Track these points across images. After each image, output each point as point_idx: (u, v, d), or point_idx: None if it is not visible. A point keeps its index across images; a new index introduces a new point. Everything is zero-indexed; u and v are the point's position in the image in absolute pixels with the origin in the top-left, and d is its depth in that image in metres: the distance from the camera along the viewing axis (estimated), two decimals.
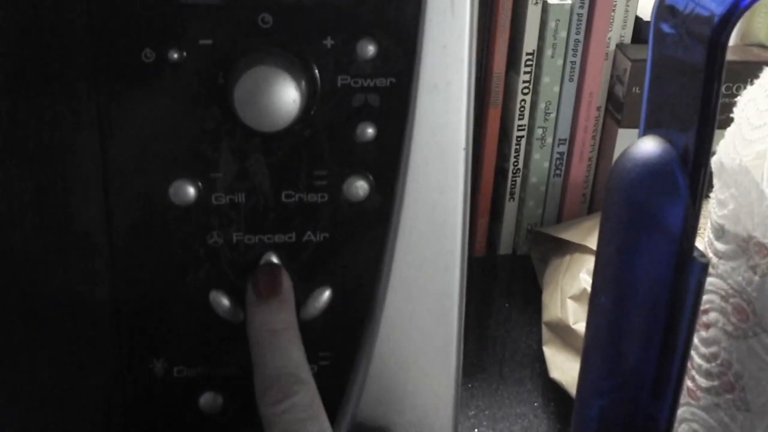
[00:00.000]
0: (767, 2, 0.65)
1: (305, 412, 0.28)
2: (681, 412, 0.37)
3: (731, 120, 0.34)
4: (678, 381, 0.30)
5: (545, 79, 0.63)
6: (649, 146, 0.28)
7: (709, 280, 0.34)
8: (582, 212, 0.69)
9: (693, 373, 0.36)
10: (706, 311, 0.35)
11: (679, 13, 0.27)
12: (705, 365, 0.35)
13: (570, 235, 0.60)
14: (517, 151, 0.66)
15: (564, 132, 0.66)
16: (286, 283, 0.30)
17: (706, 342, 0.35)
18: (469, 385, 0.54)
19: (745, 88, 0.35)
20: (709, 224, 0.35)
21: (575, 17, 0.61)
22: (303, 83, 0.28)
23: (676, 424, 0.35)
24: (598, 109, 0.65)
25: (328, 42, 0.28)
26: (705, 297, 0.34)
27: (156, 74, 0.28)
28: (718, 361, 0.35)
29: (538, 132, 0.66)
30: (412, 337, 0.32)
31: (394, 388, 0.33)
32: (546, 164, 0.67)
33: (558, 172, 0.68)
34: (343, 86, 0.29)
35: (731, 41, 0.26)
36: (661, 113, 0.29)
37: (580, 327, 0.51)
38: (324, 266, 0.31)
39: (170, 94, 0.28)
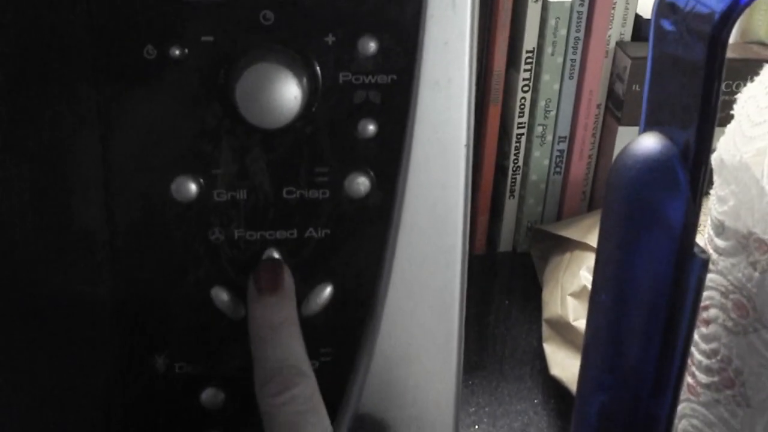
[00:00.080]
0: (767, 0, 0.65)
1: (305, 404, 0.28)
2: (681, 408, 0.37)
3: (731, 117, 0.34)
4: (678, 377, 0.30)
5: (545, 77, 0.63)
6: (649, 142, 0.28)
7: (709, 276, 0.34)
8: (582, 210, 0.70)
9: (693, 369, 0.36)
10: (706, 307, 0.35)
11: (679, 11, 0.27)
12: (705, 361, 0.35)
13: (570, 232, 0.60)
14: (517, 148, 0.67)
15: (564, 130, 0.66)
16: (288, 278, 0.30)
17: (706, 338, 0.35)
18: (470, 382, 0.54)
19: (744, 85, 0.35)
20: (709, 221, 0.35)
21: (575, 15, 0.61)
22: (304, 80, 0.28)
23: (676, 420, 0.35)
24: (598, 106, 0.65)
25: (330, 39, 0.28)
26: (705, 293, 0.34)
27: (158, 71, 0.28)
28: (718, 357, 0.35)
29: (538, 130, 0.66)
30: (413, 333, 0.32)
31: (395, 383, 0.33)
32: (546, 162, 0.67)
33: (558, 169, 0.68)
34: (345, 83, 0.29)
35: (731, 39, 0.26)
36: (661, 110, 0.29)
37: (580, 324, 0.51)
38: (325, 262, 0.31)
39: (172, 91, 0.28)
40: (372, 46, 0.28)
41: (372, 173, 0.30)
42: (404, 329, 0.32)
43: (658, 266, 0.29)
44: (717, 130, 0.27)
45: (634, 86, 0.62)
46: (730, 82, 0.54)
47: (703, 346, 0.36)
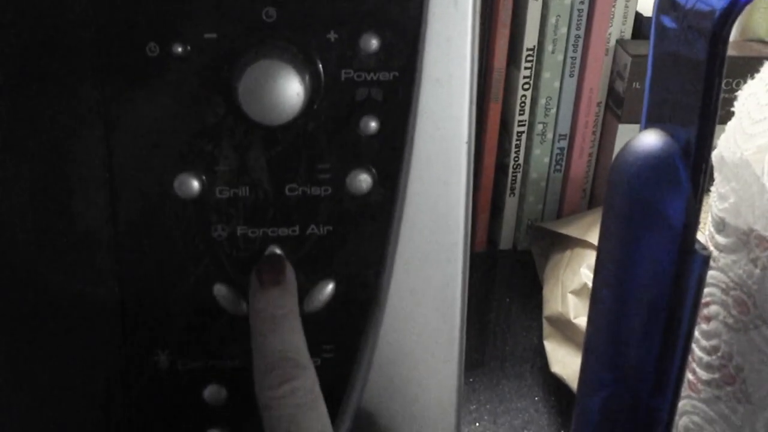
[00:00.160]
0: None
1: (305, 397, 0.28)
2: (682, 404, 0.37)
3: (731, 115, 0.34)
4: (679, 374, 0.30)
5: (546, 75, 0.63)
6: (651, 139, 0.28)
7: (710, 273, 0.34)
8: (582, 207, 0.70)
9: (694, 365, 0.36)
10: (707, 304, 0.35)
11: (680, 8, 0.27)
12: (706, 358, 0.36)
13: (570, 230, 0.60)
14: (518, 146, 0.67)
15: (564, 127, 0.66)
16: (289, 273, 0.30)
17: (706, 335, 0.35)
18: (471, 380, 0.55)
19: (744, 83, 0.35)
20: (710, 218, 0.35)
21: (576, 13, 0.62)
22: (307, 77, 0.28)
23: (677, 417, 0.35)
24: (599, 104, 0.65)
25: (332, 36, 0.28)
26: (706, 290, 0.34)
27: (160, 68, 0.28)
28: (719, 354, 0.35)
29: (539, 127, 0.66)
30: (415, 330, 0.32)
31: (397, 380, 0.33)
32: (546, 159, 0.67)
33: (558, 167, 0.68)
34: (347, 80, 0.29)
35: (731, 36, 0.27)
36: (662, 108, 0.29)
37: (581, 321, 0.51)
38: (327, 259, 0.31)
39: (174, 89, 0.28)
40: (374, 43, 0.28)
41: (374, 170, 0.30)
42: (406, 326, 0.32)
43: (659, 263, 0.29)
44: (717, 127, 0.27)
45: (634, 84, 0.62)
46: (731, 80, 0.54)
47: (704, 342, 0.36)
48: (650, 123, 0.29)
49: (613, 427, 0.33)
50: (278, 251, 0.31)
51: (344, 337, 0.32)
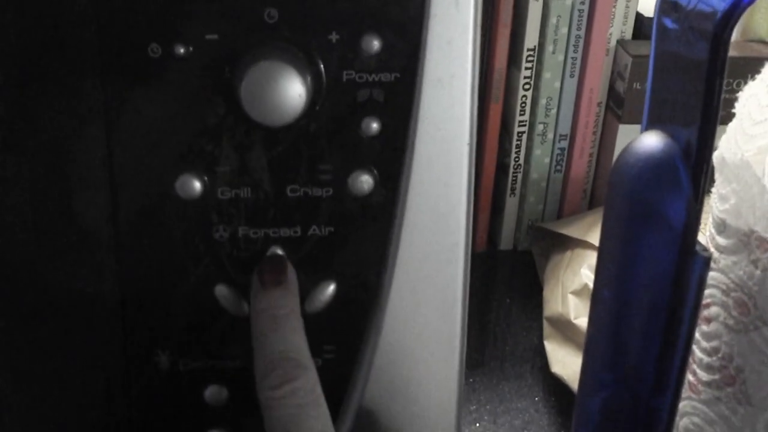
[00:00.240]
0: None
1: (306, 397, 0.28)
2: (682, 405, 0.37)
3: (732, 116, 0.34)
4: (679, 375, 0.31)
5: (546, 75, 0.63)
6: (651, 141, 0.28)
7: (711, 274, 0.34)
8: (583, 208, 0.70)
9: (694, 367, 0.36)
10: (707, 305, 0.35)
11: (682, 9, 0.27)
12: (706, 359, 0.36)
13: (571, 230, 0.60)
14: (518, 146, 0.67)
15: (565, 128, 0.66)
16: (291, 273, 0.30)
17: (707, 336, 0.35)
18: (471, 380, 0.55)
19: (745, 83, 0.35)
20: (710, 219, 0.35)
21: (576, 13, 0.62)
22: (308, 78, 0.28)
23: (677, 418, 0.35)
24: (599, 104, 0.65)
25: (333, 37, 0.28)
26: (706, 291, 0.34)
27: (162, 69, 0.28)
28: (719, 355, 0.35)
29: (539, 128, 0.66)
30: (416, 331, 0.32)
31: (397, 381, 0.33)
32: (547, 160, 0.67)
33: (559, 167, 0.68)
34: (348, 81, 0.29)
35: (732, 37, 0.27)
36: (663, 108, 0.29)
37: (581, 322, 0.51)
38: (328, 260, 0.31)
39: (176, 89, 0.28)
40: (375, 44, 0.28)
41: (375, 171, 0.30)
42: (407, 327, 0.32)
43: (659, 264, 0.29)
44: (718, 128, 0.27)
45: (634, 84, 0.62)
46: (731, 81, 0.54)
47: (704, 343, 0.36)
48: (651, 124, 0.29)
49: (613, 427, 0.33)
50: (280, 252, 0.31)
51: (345, 338, 0.32)
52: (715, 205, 0.34)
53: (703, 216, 0.30)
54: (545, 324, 0.56)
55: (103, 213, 0.30)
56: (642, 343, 0.30)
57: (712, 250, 0.35)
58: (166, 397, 0.32)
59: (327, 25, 0.28)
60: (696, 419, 0.37)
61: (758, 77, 0.35)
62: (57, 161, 0.29)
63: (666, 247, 0.28)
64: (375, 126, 0.29)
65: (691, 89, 0.27)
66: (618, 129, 0.64)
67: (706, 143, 0.27)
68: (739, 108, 0.35)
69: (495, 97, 0.65)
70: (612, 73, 0.64)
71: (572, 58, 0.63)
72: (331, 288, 0.31)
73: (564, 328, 0.53)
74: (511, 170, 0.68)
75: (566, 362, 0.52)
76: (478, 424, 0.51)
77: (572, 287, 0.54)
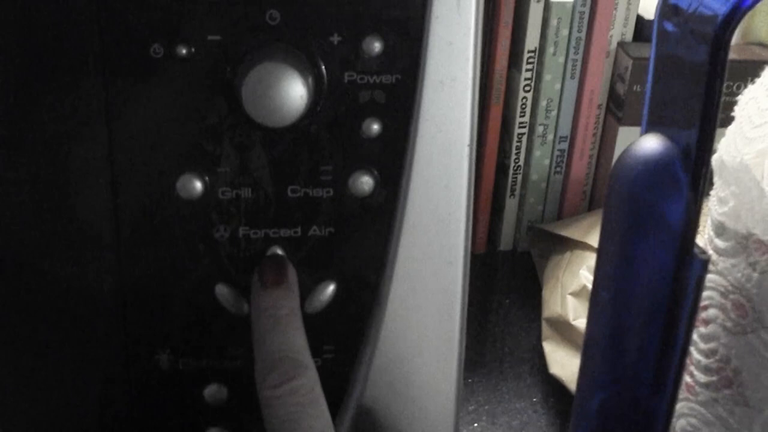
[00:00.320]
0: None
1: (306, 396, 0.28)
2: (679, 407, 0.37)
3: (732, 119, 0.35)
4: (677, 376, 0.31)
5: (547, 77, 0.64)
6: (651, 144, 0.28)
7: (709, 276, 0.35)
8: (582, 209, 0.70)
9: (692, 368, 0.36)
10: (705, 308, 0.35)
11: (682, 12, 0.27)
12: (704, 361, 0.36)
13: (570, 232, 0.60)
14: (518, 148, 0.67)
15: (565, 129, 0.66)
16: (291, 273, 0.30)
17: (705, 338, 0.36)
18: (469, 380, 0.55)
19: (745, 86, 0.35)
20: (709, 221, 0.35)
21: (577, 15, 0.62)
22: (310, 79, 0.28)
23: (674, 419, 0.35)
24: (599, 106, 0.65)
25: (335, 38, 0.28)
26: (704, 293, 0.34)
27: (164, 69, 0.28)
28: (717, 357, 0.35)
29: (539, 129, 0.66)
30: (415, 331, 0.32)
31: (396, 381, 0.33)
32: (547, 161, 0.67)
33: (559, 169, 0.68)
34: (350, 82, 0.29)
35: (732, 40, 0.27)
36: (663, 111, 0.29)
37: (580, 323, 0.51)
38: (328, 261, 0.31)
39: (178, 90, 0.29)
40: (377, 46, 0.29)
41: (376, 172, 0.30)
42: (406, 327, 0.32)
43: (658, 266, 0.29)
44: (718, 131, 0.27)
45: (635, 86, 0.62)
46: (731, 84, 0.54)
47: (702, 345, 0.36)
48: (651, 126, 0.29)
49: (611, 428, 0.33)
50: (280, 252, 0.31)
51: (345, 338, 0.32)
52: (713, 208, 0.35)
53: (702, 218, 0.30)
54: (544, 325, 0.56)
55: (105, 213, 0.30)
56: (640, 345, 0.30)
57: (711, 252, 0.35)
58: (166, 396, 0.32)
59: (328, 26, 0.28)
60: (693, 420, 0.37)
61: (758, 80, 0.35)
62: (59, 161, 0.29)
63: (664, 249, 0.29)
64: (376, 127, 0.29)
65: (691, 92, 0.27)
66: (618, 131, 0.64)
67: (705, 146, 0.27)
68: (738, 111, 0.35)
69: (495, 98, 0.65)
70: (612, 75, 0.64)
71: (573, 60, 0.63)
72: (331, 288, 0.31)
73: (563, 329, 0.53)
74: (511, 171, 0.68)
75: (565, 363, 0.52)
76: (476, 425, 0.51)
77: (571, 288, 0.54)
